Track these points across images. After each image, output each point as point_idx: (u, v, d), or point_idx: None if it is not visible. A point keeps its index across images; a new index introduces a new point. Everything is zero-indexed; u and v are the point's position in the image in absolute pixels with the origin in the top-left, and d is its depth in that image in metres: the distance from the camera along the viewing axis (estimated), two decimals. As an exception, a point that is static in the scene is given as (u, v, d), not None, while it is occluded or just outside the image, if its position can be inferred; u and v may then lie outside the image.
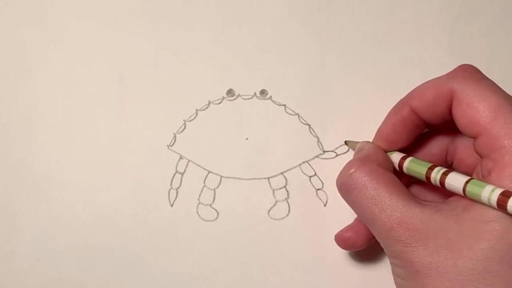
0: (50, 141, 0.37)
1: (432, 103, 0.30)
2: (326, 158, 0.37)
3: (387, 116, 0.33)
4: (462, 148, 0.33)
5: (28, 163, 0.37)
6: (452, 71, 0.30)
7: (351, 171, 0.30)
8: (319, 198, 0.36)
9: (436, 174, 0.29)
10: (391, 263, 0.30)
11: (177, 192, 0.36)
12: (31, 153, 0.37)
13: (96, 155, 0.37)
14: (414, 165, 0.31)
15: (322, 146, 0.37)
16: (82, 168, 0.37)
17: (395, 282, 0.30)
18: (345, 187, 0.30)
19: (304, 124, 0.37)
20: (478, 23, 0.39)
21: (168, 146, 0.37)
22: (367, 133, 0.37)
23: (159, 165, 0.37)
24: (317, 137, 0.37)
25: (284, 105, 0.38)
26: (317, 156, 0.37)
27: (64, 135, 0.37)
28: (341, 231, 0.34)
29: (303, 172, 0.37)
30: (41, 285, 0.35)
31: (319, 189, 0.36)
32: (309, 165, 0.37)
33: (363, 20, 0.39)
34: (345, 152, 0.37)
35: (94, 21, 0.39)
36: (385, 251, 0.30)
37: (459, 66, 0.30)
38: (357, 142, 0.35)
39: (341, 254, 0.35)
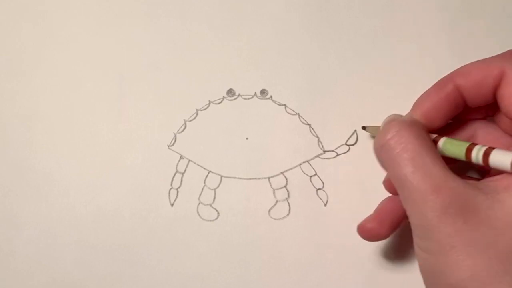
0: (50, 141, 0.37)
1: (479, 82, 0.29)
2: (326, 158, 0.37)
3: (427, 93, 0.31)
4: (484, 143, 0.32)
5: (28, 163, 0.37)
6: (501, 54, 0.30)
7: (398, 129, 0.29)
8: (319, 198, 0.36)
9: (478, 152, 0.28)
10: (417, 235, 0.28)
11: (177, 192, 0.36)
12: (31, 153, 0.37)
13: (96, 155, 0.37)
14: (450, 144, 0.30)
15: (323, 146, 0.37)
16: (82, 168, 0.37)
17: (419, 257, 0.28)
18: (391, 143, 0.28)
19: (305, 124, 0.37)
20: (478, 23, 0.39)
21: (168, 146, 0.37)
22: (368, 133, 0.37)
23: (159, 165, 0.37)
24: (317, 137, 0.37)
25: (285, 105, 0.38)
26: (317, 156, 0.37)
27: (64, 135, 0.37)
28: (364, 221, 0.32)
29: (303, 172, 0.37)
30: (41, 285, 0.35)
31: (319, 189, 0.36)
32: (310, 165, 0.37)
33: (363, 20, 0.39)
34: (345, 152, 0.37)
35: (94, 21, 0.39)
36: (413, 220, 0.28)
37: (508, 50, 0.30)
38: (377, 127, 0.34)
39: (341, 254, 0.35)
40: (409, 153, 0.28)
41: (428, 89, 0.32)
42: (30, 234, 0.36)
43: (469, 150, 0.29)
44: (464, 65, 0.31)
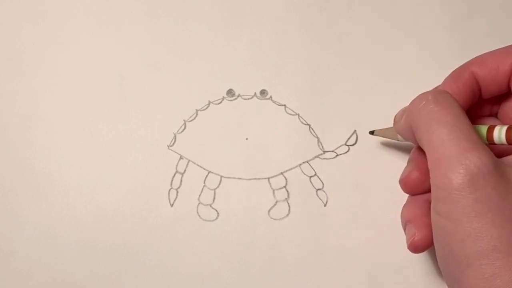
0: (50, 141, 0.37)
1: (495, 68, 0.30)
2: (326, 158, 0.37)
3: (444, 83, 0.32)
4: None
5: (28, 163, 0.37)
6: None
7: (440, 92, 0.29)
8: (319, 198, 0.36)
9: (500, 130, 0.28)
10: (439, 199, 0.27)
11: (177, 192, 0.36)
12: (31, 153, 0.37)
13: (96, 155, 0.37)
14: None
15: (322, 146, 0.37)
16: (82, 168, 0.37)
17: (436, 225, 0.27)
18: (433, 102, 0.28)
19: (304, 124, 0.37)
20: (478, 23, 0.39)
21: (168, 146, 0.37)
22: (367, 133, 0.37)
23: (159, 165, 0.37)
24: (317, 137, 0.37)
25: (284, 105, 0.38)
26: (317, 156, 0.37)
27: (64, 135, 0.37)
28: (406, 175, 0.31)
29: (303, 172, 0.37)
30: (41, 285, 0.35)
31: (319, 189, 0.36)
32: (309, 165, 0.37)
33: (363, 20, 0.39)
34: (345, 152, 0.37)
35: (94, 21, 0.39)
36: (440, 181, 0.26)
37: None
38: (386, 129, 0.34)
39: (341, 254, 0.35)
40: (452, 112, 0.27)
41: (444, 80, 0.32)
42: (30, 234, 0.36)
43: (490, 130, 0.29)
44: (479, 55, 0.31)
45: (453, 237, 0.26)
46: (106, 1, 0.39)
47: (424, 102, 0.28)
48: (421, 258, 0.35)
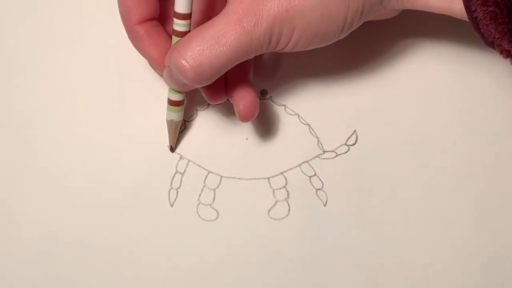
0: (50, 141, 0.37)
1: None
2: (326, 158, 0.37)
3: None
4: None
5: (28, 163, 0.37)
6: None
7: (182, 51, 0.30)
8: (319, 198, 0.36)
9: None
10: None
11: (177, 192, 0.36)
12: (31, 153, 0.37)
13: (96, 155, 0.37)
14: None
15: (322, 146, 0.37)
16: (82, 168, 0.37)
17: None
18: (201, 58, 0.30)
19: (304, 124, 0.37)
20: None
21: (168, 146, 0.37)
22: (368, 133, 0.37)
23: (159, 165, 0.37)
24: (317, 137, 0.37)
25: (284, 105, 0.38)
26: (317, 156, 0.37)
27: (64, 135, 0.37)
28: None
29: (303, 172, 0.37)
30: (41, 285, 0.35)
31: (319, 189, 0.36)
32: (309, 165, 0.37)
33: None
34: (345, 152, 0.37)
35: (94, 21, 0.39)
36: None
37: None
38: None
39: (342, 254, 0.36)
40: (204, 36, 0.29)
41: None
42: (30, 234, 0.36)
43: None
44: None
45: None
46: (106, 1, 0.39)
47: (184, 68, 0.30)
48: (421, 258, 0.35)
